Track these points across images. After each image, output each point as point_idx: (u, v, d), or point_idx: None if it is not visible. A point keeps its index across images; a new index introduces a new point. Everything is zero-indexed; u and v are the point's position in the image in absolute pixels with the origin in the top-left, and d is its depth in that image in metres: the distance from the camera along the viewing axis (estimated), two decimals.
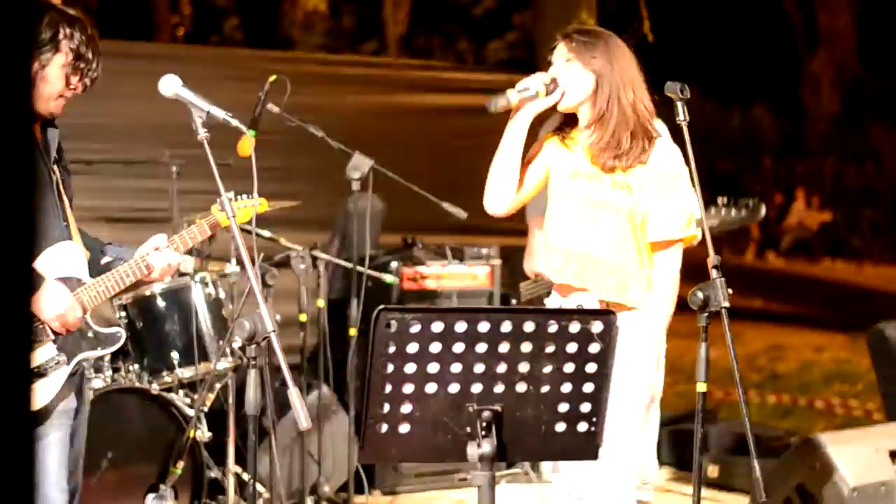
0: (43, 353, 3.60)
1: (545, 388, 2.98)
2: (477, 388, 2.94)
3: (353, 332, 5.58)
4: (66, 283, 3.63)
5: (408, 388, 2.91)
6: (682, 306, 3.86)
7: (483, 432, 2.94)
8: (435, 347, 2.89)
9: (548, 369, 2.97)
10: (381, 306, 2.87)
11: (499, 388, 2.96)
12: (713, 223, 5.55)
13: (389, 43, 24.82)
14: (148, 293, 5.26)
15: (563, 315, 3.05)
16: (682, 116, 3.75)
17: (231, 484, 5.18)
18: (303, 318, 5.64)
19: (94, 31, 3.72)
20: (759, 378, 10.39)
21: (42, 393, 3.58)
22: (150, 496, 4.87)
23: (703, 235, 3.73)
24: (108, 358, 4.98)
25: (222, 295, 5.36)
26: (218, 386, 5.34)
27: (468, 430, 2.95)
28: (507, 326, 2.93)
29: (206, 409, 5.27)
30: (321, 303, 5.80)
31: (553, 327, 2.96)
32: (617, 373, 3.06)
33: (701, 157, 3.76)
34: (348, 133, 5.83)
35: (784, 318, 15.07)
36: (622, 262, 3.86)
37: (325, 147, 5.55)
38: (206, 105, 3.50)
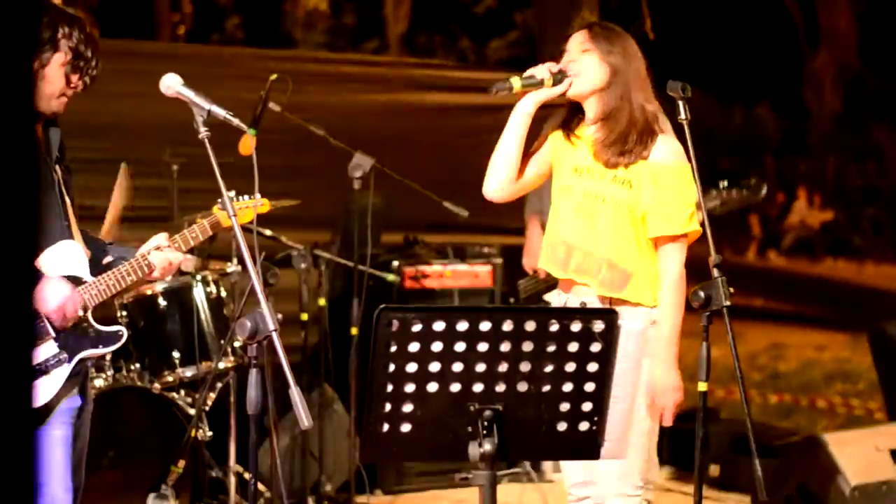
0: (44, 351, 3.61)
1: (546, 388, 2.98)
2: (478, 387, 2.94)
3: (354, 331, 5.58)
4: (67, 281, 3.63)
5: (409, 388, 2.91)
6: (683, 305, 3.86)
7: (484, 431, 2.94)
8: (436, 346, 2.89)
9: (549, 368, 2.96)
10: (383, 305, 2.87)
11: (500, 388, 2.95)
12: (715, 204, 5.54)
13: (391, 41, 24.84)
14: (149, 292, 5.25)
15: (564, 314, 3.05)
16: (683, 115, 3.75)
17: (232, 483, 5.18)
18: (304, 317, 5.65)
19: (93, 29, 3.72)
20: (760, 377, 10.39)
21: (44, 390, 3.58)
22: (152, 495, 4.87)
23: (705, 234, 3.73)
24: (109, 357, 4.98)
25: (223, 294, 5.36)
26: (219, 385, 5.34)
27: (469, 429, 2.95)
28: (508, 326, 2.92)
29: (207, 408, 5.27)
30: (322, 302, 5.80)
31: (554, 326, 2.95)
32: (621, 370, 3.05)
33: (702, 156, 3.76)
34: (349, 132, 5.83)
35: (785, 317, 15.07)
36: (623, 257, 3.85)
37: (326, 146, 5.55)
38: (206, 104, 3.50)
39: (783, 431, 6.97)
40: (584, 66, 3.89)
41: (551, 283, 4.20)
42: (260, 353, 3.32)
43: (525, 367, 2.95)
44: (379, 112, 7.51)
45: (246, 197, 4.04)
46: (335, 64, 8.58)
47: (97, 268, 3.73)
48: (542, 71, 3.88)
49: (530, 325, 2.94)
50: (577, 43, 3.93)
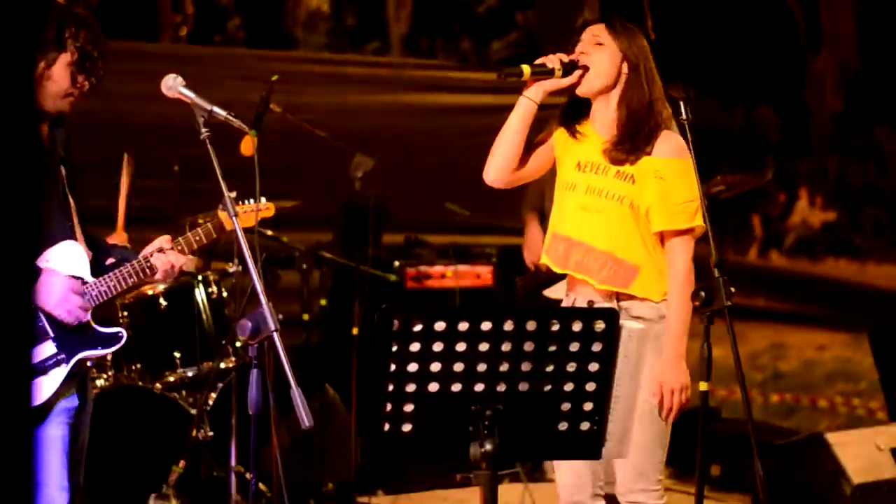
0: (42, 351, 3.60)
1: (548, 387, 2.98)
2: (479, 387, 2.94)
3: (355, 331, 5.58)
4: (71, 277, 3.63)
5: (410, 388, 2.91)
6: None
7: (485, 431, 2.94)
8: (437, 347, 2.89)
9: (550, 368, 2.97)
10: (384, 305, 2.87)
11: (501, 388, 2.96)
12: (721, 187, 5.54)
13: (392, 42, 24.84)
14: (150, 293, 5.26)
15: (565, 314, 3.06)
16: (684, 115, 3.75)
17: (233, 483, 5.18)
18: (305, 317, 5.65)
19: (98, 28, 3.72)
20: (761, 377, 10.39)
21: (41, 390, 3.58)
22: (153, 495, 4.88)
23: (707, 234, 3.73)
24: (110, 357, 4.98)
25: (224, 294, 5.36)
26: (220, 385, 5.34)
27: (470, 429, 2.95)
28: (509, 325, 2.92)
29: (208, 408, 5.27)
30: (324, 302, 5.81)
31: (555, 326, 2.95)
32: (622, 369, 3.05)
33: (704, 157, 3.76)
34: (351, 132, 5.84)
35: (787, 316, 15.06)
36: (628, 252, 3.83)
37: (327, 146, 5.55)
38: (208, 104, 3.50)
39: (784, 431, 6.96)
40: (596, 60, 3.87)
41: (551, 279, 4.19)
42: (261, 353, 3.33)
43: (526, 366, 2.96)
44: (380, 113, 7.52)
45: (251, 201, 4.03)
46: (337, 65, 8.60)
47: (99, 269, 3.73)
48: (552, 60, 3.86)
49: (531, 325, 2.94)
50: (592, 35, 3.91)
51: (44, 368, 3.60)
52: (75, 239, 3.69)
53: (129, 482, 4.96)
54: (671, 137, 3.87)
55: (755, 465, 3.62)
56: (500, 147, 3.93)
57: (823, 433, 5.60)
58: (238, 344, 5.17)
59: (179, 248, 3.80)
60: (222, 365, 5.22)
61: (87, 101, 3.79)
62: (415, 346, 2.88)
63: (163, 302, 5.26)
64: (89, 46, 3.64)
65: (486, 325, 2.91)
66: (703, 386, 3.69)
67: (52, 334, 3.61)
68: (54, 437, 3.60)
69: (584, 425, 3.02)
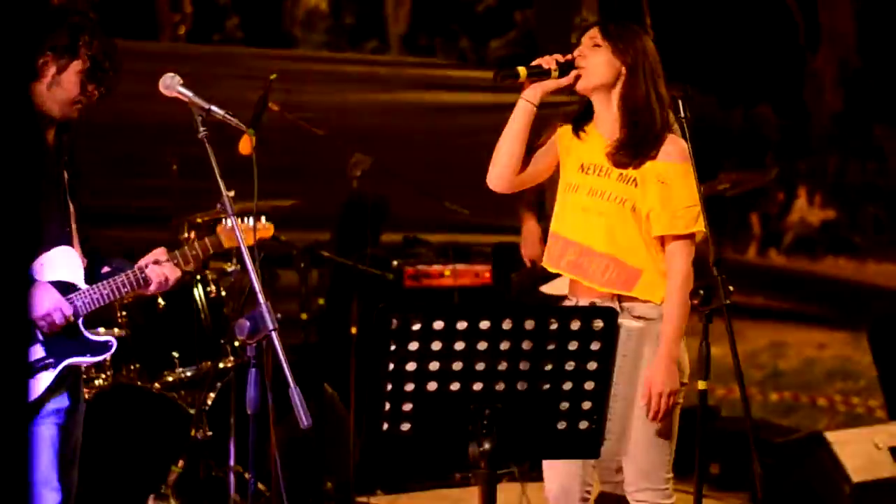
0: (30, 353, 3.59)
1: (546, 386, 2.98)
2: (478, 386, 2.94)
3: (353, 330, 5.57)
4: (60, 287, 3.62)
5: (409, 387, 2.91)
6: None
7: (484, 430, 2.94)
8: (436, 346, 2.89)
9: (549, 367, 2.96)
10: (382, 304, 2.87)
11: (500, 387, 2.95)
12: (726, 185, 5.53)
13: (391, 41, 24.83)
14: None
15: (563, 313, 3.05)
16: (682, 114, 3.75)
17: (232, 483, 5.17)
18: (304, 316, 5.64)
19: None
20: (760, 375, 10.38)
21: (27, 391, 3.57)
22: (152, 495, 4.87)
23: (707, 233, 3.73)
24: (109, 357, 4.98)
25: (223, 293, 5.36)
26: (219, 384, 5.33)
27: (469, 428, 2.95)
28: (507, 324, 2.92)
29: (207, 407, 5.26)
30: (322, 301, 5.80)
31: (554, 325, 2.95)
32: (620, 368, 3.05)
33: (703, 156, 3.76)
34: (349, 131, 5.84)
35: (786, 315, 15.05)
36: (629, 255, 3.83)
37: (325, 145, 5.55)
38: (206, 103, 3.50)
39: (784, 430, 6.96)
40: (592, 62, 3.87)
41: (547, 275, 4.19)
42: (259, 352, 3.32)
43: (525, 365, 2.95)
44: (379, 111, 7.53)
45: (250, 219, 4.01)
46: (335, 63, 8.61)
47: (94, 276, 3.72)
48: (548, 61, 3.86)
49: (530, 324, 2.93)
50: (589, 38, 3.92)
51: (30, 371, 3.58)
52: (72, 245, 3.68)
53: (128, 482, 4.96)
54: (676, 142, 3.86)
55: (754, 463, 3.62)
56: (502, 152, 3.92)
57: (822, 432, 5.60)
58: (236, 343, 5.16)
59: (175, 261, 3.80)
60: (221, 364, 5.22)
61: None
62: (413, 345, 2.88)
63: (161, 301, 5.26)
64: (102, 56, 3.64)
65: (484, 324, 2.91)
66: (701, 385, 3.69)
67: (40, 338, 3.61)
68: (43, 436, 3.59)
69: (583, 424, 3.02)
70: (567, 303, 3.98)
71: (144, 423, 5.02)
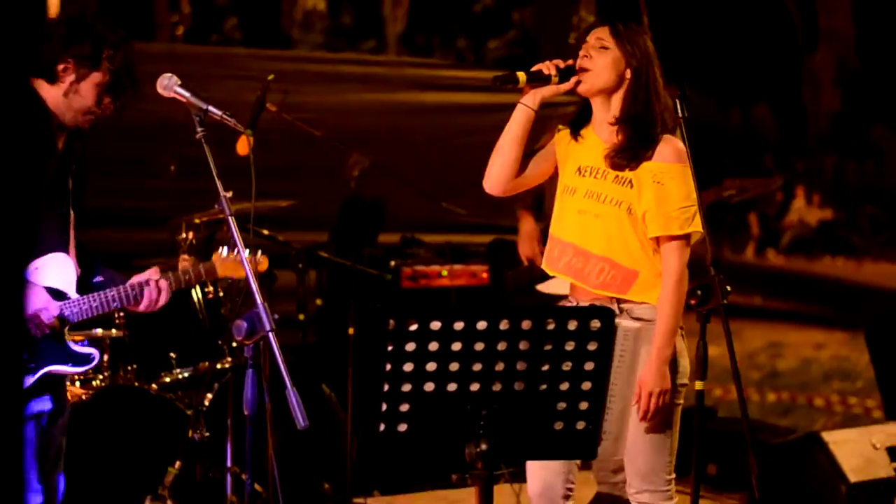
0: None
1: (543, 387, 2.98)
2: (475, 386, 2.94)
3: (351, 330, 5.57)
4: (51, 294, 3.62)
5: (406, 387, 2.91)
6: None
7: (481, 431, 2.94)
8: (433, 346, 2.89)
9: (546, 367, 2.96)
10: (379, 305, 2.86)
11: (497, 387, 2.95)
12: (731, 192, 5.52)
13: (389, 41, 24.84)
14: None
15: (560, 313, 3.05)
16: (680, 113, 3.75)
17: (229, 484, 5.17)
18: (301, 316, 5.64)
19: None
20: (758, 376, 10.39)
21: None
22: (149, 497, 4.87)
23: (704, 233, 3.72)
24: (106, 357, 4.98)
25: (220, 294, 5.35)
26: (216, 385, 5.33)
27: (466, 429, 2.95)
28: (504, 325, 2.92)
29: (204, 408, 5.26)
30: (319, 301, 5.80)
31: (551, 325, 2.95)
32: (617, 368, 3.05)
33: (701, 156, 3.76)
34: (347, 132, 5.83)
35: (784, 315, 15.07)
36: (625, 257, 3.82)
37: (323, 146, 5.54)
38: (203, 104, 3.50)
39: (781, 430, 6.96)
40: (598, 64, 3.85)
41: (543, 274, 4.18)
42: (256, 353, 3.32)
43: (521, 366, 2.95)
44: (377, 112, 7.51)
45: (246, 252, 3.98)
46: (333, 64, 8.58)
47: (86, 286, 3.72)
48: (548, 67, 3.84)
49: (527, 325, 2.93)
50: (596, 39, 3.88)
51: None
52: (67, 252, 3.67)
53: (125, 483, 4.95)
54: (671, 142, 3.85)
55: (751, 463, 3.62)
56: (499, 155, 3.91)
57: (820, 432, 5.60)
58: (234, 344, 5.16)
59: (169, 282, 3.81)
60: (218, 365, 5.21)
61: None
62: (410, 346, 2.88)
63: None
64: (122, 73, 3.65)
65: (481, 325, 2.90)
66: (698, 385, 3.69)
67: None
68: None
69: (580, 424, 3.02)
70: (567, 304, 3.98)
71: (141, 424, 5.01)
